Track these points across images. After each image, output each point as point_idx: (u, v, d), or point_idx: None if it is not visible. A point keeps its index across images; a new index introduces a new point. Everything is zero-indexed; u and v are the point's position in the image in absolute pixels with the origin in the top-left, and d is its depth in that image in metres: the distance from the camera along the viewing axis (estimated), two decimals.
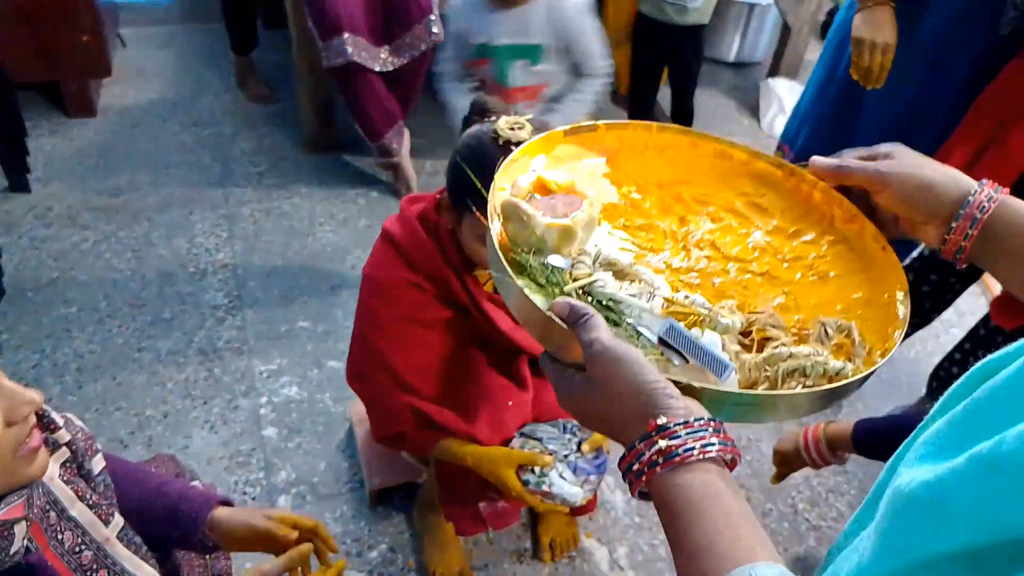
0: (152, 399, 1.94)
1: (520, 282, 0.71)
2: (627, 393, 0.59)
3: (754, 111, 3.65)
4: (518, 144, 1.19)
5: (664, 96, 3.18)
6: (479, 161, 1.20)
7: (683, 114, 3.16)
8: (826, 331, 0.75)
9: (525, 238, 0.76)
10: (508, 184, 0.83)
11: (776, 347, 0.72)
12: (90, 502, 0.94)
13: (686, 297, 0.76)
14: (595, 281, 0.72)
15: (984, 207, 0.73)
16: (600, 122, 0.92)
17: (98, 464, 0.99)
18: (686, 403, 0.59)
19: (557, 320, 0.66)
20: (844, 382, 0.68)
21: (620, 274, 0.76)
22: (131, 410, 1.91)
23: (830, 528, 1.87)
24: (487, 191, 1.14)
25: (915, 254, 2.05)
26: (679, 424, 0.56)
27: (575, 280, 0.73)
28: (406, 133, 2.68)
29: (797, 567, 1.75)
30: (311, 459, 1.84)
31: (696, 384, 0.62)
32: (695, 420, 0.56)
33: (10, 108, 2.40)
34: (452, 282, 1.37)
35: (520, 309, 0.71)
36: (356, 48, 2.35)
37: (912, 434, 0.58)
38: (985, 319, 1.90)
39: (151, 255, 2.39)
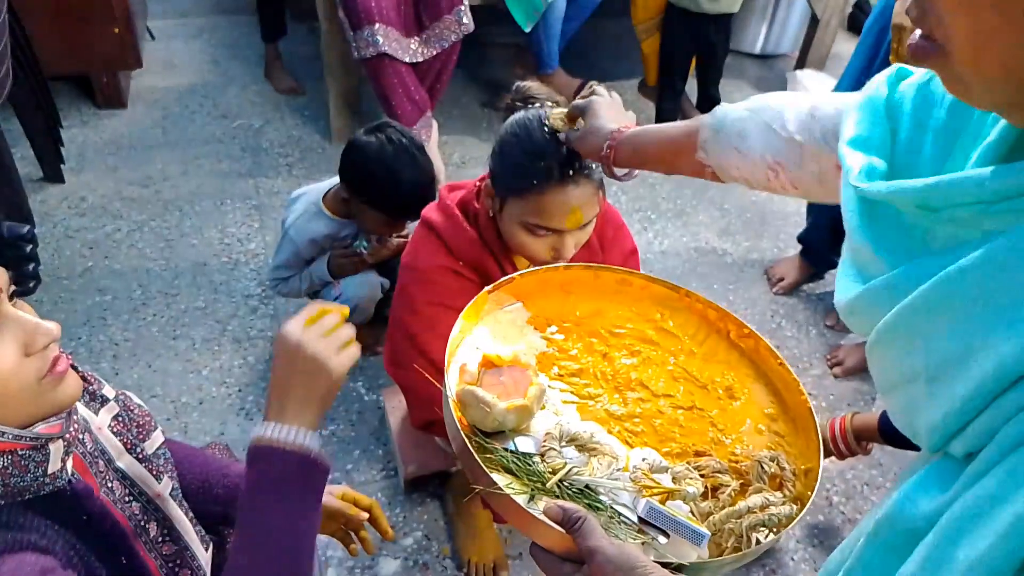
0: (188, 386, 1.96)
1: (500, 479, 0.78)
2: None
3: None
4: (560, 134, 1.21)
5: (690, 87, 3.17)
6: (525, 148, 1.21)
7: (709, 102, 3.15)
8: (762, 467, 0.87)
9: (487, 423, 0.84)
10: (455, 359, 0.93)
11: (728, 493, 0.84)
12: (139, 456, 0.94)
13: (644, 460, 0.86)
14: (571, 470, 0.80)
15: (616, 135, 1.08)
16: (515, 274, 1.06)
17: (157, 440, 1.00)
18: None
19: (552, 525, 0.73)
20: (796, 520, 0.81)
21: (583, 448, 0.84)
22: (167, 397, 1.93)
23: None
24: (532, 180, 1.19)
25: None
26: None
27: (550, 468, 0.81)
28: (434, 124, 2.68)
29: None
30: (345, 447, 1.86)
31: (686, 562, 0.74)
32: None
33: (44, 99, 2.42)
34: (492, 268, 1.38)
35: (508, 510, 0.77)
36: (387, 39, 2.35)
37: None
38: None
39: (183, 245, 2.41)
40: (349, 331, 0.88)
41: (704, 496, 0.85)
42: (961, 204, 0.52)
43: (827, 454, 1.60)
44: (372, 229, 1.87)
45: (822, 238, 2.33)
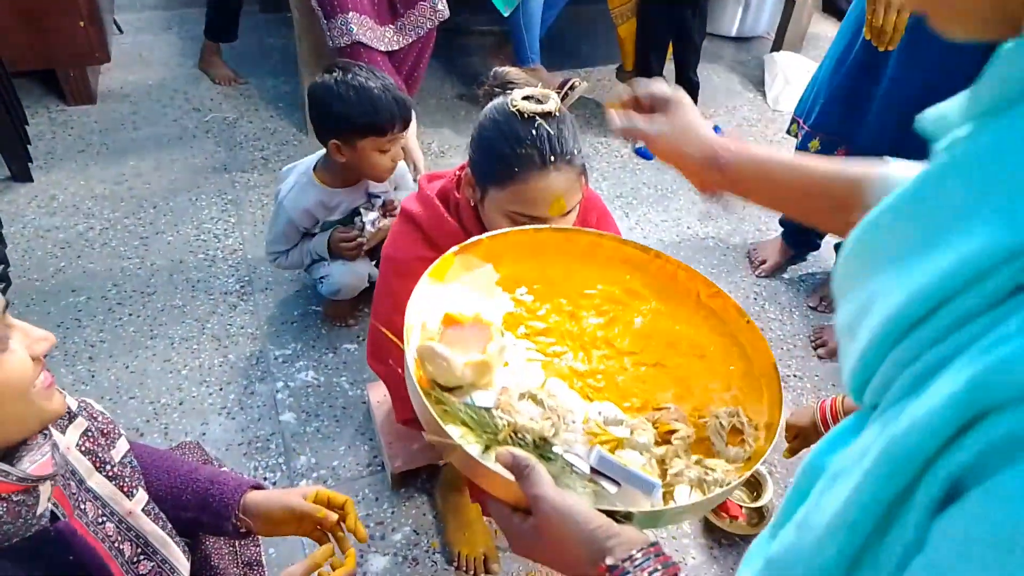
0: (167, 386, 1.92)
1: (456, 431, 0.79)
2: (574, 541, 0.69)
3: (758, 86, 3.61)
4: (547, 116, 1.18)
5: (668, 72, 3.15)
6: (505, 135, 1.18)
7: (688, 86, 3.14)
8: (720, 423, 0.88)
9: (446, 378, 0.84)
10: (417, 315, 0.91)
11: (681, 438, 0.85)
12: (109, 474, 0.93)
13: (599, 413, 0.86)
14: (524, 423, 0.80)
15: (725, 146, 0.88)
16: (483, 236, 1.04)
17: (122, 447, 0.97)
18: (626, 536, 0.69)
19: (502, 472, 0.73)
20: (747, 473, 0.82)
21: (540, 402, 0.85)
22: (146, 398, 1.89)
23: None
24: (513, 168, 1.14)
25: None
26: (625, 560, 0.66)
27: (504, 421, 0.81)
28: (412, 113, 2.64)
29: None
30: (330, 443, 1.83)
31: (634, 511, 0.74)
32: (637, 552, 0.66)
33: (9, 96, 2.36)
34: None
35: (461, 461, 0.78)
36: (361, 27, 2.32)
37: None
38: None
39: (158, 242, 2.36)
40: None
41: (658, 443, 0.85)
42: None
43: (817, 437, 1.59)
44: (375, 168, 1.86)
45: (802, 222, 2.33)
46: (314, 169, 1.94)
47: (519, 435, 0.80)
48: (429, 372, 0.84)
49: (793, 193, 0.87)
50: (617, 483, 0.78)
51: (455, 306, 0.94)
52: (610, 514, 0.72)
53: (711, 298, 1.03)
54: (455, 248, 1.01)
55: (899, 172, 0.78)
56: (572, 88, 2.94)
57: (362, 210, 1.99)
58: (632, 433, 0.84)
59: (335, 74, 1.78)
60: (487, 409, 0.82)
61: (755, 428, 0.88)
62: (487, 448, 0.79)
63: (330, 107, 1.77)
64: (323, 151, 1.93)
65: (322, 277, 2.01)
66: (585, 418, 0.86)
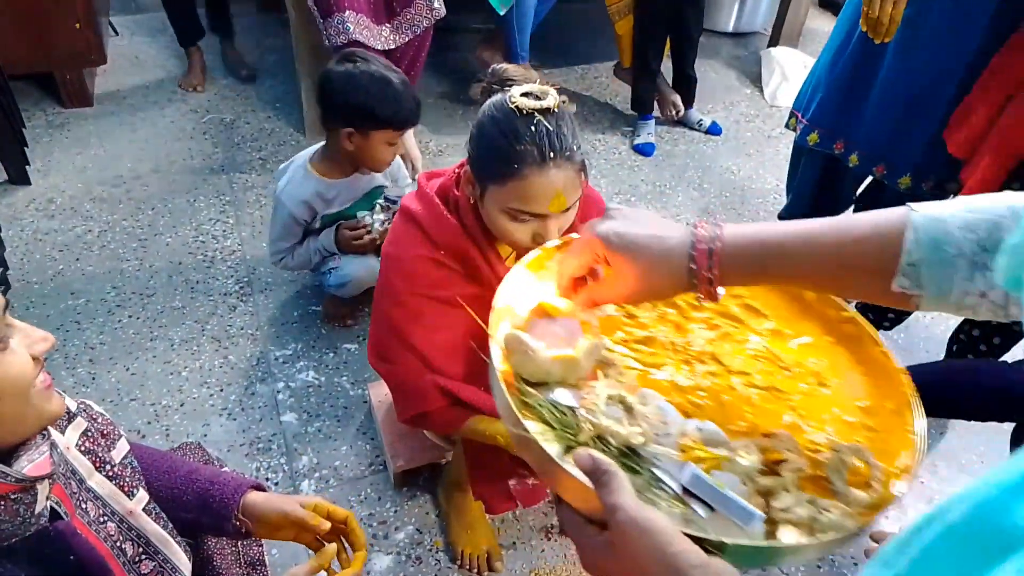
0: (168, 388, 1.92)
1: (534, 426, 0.71)
2: (651, 562, 0.59)
3: (755, 81, 3.61)
4: (546, 112, 1.17)
5: (665, 67, 3.15)
6: (504, 132, 1.18)
7: (686, 82, 3.14)
8: (842, 460, 0.75)
9: (529, 371, 0.77)
10: (507, 303, 0.84)
11: (792, 470, 0.73)
12: (109, 474, 0.93)
13: (699, 430, 0.76)
14: (610, 426, 0.72)
15: (709, 236, 0.71)
16: None
17: (122, 448, 0.97)
18: (714, 568, 0.59)
19: (578, 476, 0.65)
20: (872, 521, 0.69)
21: (630, 408, 0.76)
22: (147, 400, 1.89)
23: None
24: (513, 164, 1.09)
25: None
26: None
27: (589, 423, 0.73)
28: None
29: None
30: (332, 443, 1.83)
31: (728, 541, 0.63)
32: None
33: (6, 100, 2.35)
34: (475, 257, 1.35)
35: (536, 459, 0.70)
36: (358, 26, 2.31)
37: None
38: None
39: (157, 244, 2.35)
40: None
41: (765, 472, 0.74)
42: None
43: None
44: (379, 159, 1.88)
45: (803, 215, 2.33)
46: (311, 160, 1.95)
47: (603, 440, 0.72)
48: (513, 363, 0.78)
49: (819, 272, 0.72)
50: (710, 508, 0.69)
51: (550, 299, 0.86)
52: (698, 541, 0.62)
53: (842, 323, 0.91)
54: (557, 241, 0.95)
55: (931, 212, 0.66)
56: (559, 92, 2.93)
57: (372, 210, 2.00)
58: (734, 455, 0.73)
59: (356, 64, 1.79)
60: (570, 408, 0.75)
61: (883, 471, 0.75)
62: (567, 450, 0.72)
63: (349, 96, 1.77)
64: (317, 145, 1.93)
65: (332, 268, 2.01)
66: (680, 432, 0.76)
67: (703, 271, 0.71)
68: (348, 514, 1.09)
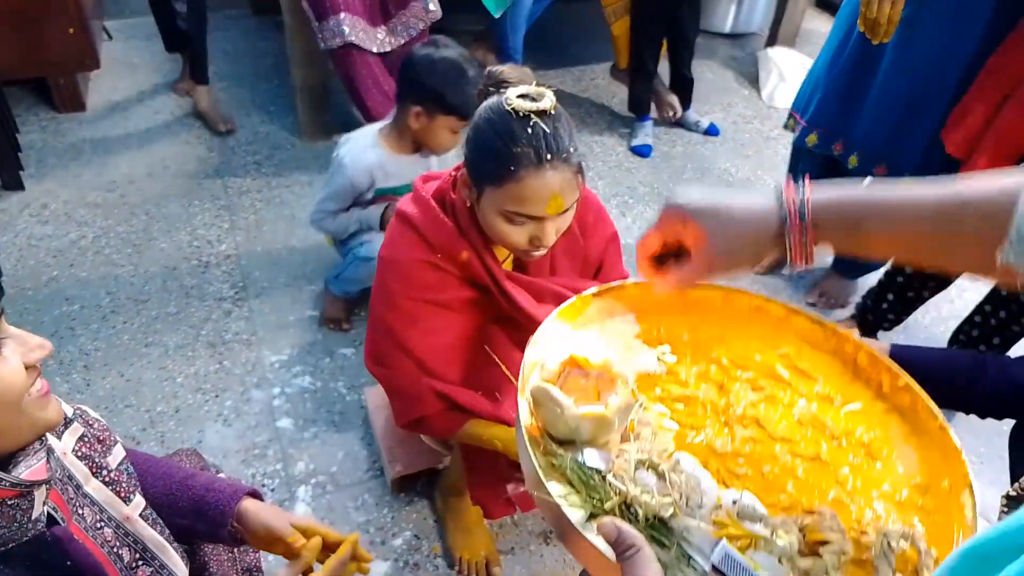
0: (163, 394, 1.90)
1: (558, 488, 0.68)
2: None
3: (752, 82, 3.60)
4: (542, 114, 1.16)
5: (662, 69, 3.14)
6: (500, 134, 1.17)
7: (683, 83, 3.13)
8: (889, 544, 0.70)
9: (557, 428, 0.73)
10: (538, 355, 0.80)
11: (834, 552, 0.69)
12: (105, 479, 0.92)
13: (734, 503, 0.72)
14: (639, 495, 0.69)
15: (798, 201, 0.67)
16: (628, 281, 0.93)
17: (118, 454, 0.96)
18: None
19: (601, 547, 0.63)
20: None
21: (663, 475, 0.72)
22: (141, 406, 1.88)
23: None
24: (509, 167, 1.07)
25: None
26: None
27: (615, 489, 0.69)
28: None
29: None
30: (329, 448, 1.81)
31: None
32: None
33: None
34: (471, 260, 1.34)
35: (557, 523, 0.68)
36: (353, 28, 2.30)
37: None
38: None
39: (152, 249, 2.34)
40: None
41: (803, 553, 0.69)
42: None
43: None
44: (440, 143, 1.91)
45: None
46: (380, 131, 1.97)
47: (631, 508, 0.68)
48: (541, 417, 0.75)
49: (922, 239, 0.66)
50: None
51: (583, 351, 0.82)
52: None
53: (897, 391, 0.87)
54: (594, 289, 0.91)
55: None
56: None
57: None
58: (772, 533, 0.69)
59: (439, 49, 1.82)
60: (598, 471, 0.71)
61: (935, 559, 0.70)
62: (591, 517, 0.68)
63: (424, 77, 1.79)
64: (385, 121, 1.98)
65: (364, 241, 2.00)
66: (716, 504, 0.72)
67: (795, 228, 0.66)
68: (349, 540, 1.05)
